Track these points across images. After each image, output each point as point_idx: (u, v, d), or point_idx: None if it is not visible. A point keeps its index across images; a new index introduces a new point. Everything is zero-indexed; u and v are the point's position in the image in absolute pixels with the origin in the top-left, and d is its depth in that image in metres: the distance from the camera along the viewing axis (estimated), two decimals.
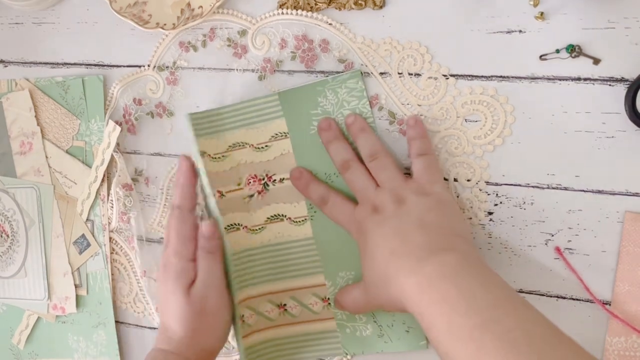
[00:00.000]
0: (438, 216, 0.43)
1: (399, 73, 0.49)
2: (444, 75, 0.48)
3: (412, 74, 0.48)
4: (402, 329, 0.50)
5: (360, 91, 0.49)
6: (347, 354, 0.52)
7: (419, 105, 0.48)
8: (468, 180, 0.48)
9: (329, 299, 0.52)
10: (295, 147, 0.51)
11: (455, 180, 0.48)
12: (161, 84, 0.56)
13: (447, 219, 0.44)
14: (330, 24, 0.50)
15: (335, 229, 0.50)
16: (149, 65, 0.56)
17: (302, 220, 0.51)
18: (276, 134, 0.51)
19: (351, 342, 0.52)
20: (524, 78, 0.46)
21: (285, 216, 0.51)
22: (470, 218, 0.48)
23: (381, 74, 0.49)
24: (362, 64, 0.49)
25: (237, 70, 0.53)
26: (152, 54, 0.56)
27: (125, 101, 0.57)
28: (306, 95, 0.50)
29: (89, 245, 0.60)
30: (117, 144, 0.58)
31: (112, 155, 0.57)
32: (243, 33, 0.53)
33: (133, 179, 0.58)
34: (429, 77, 0.48)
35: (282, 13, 0.51)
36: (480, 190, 0.48)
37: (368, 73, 0.49)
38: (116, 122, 0.57)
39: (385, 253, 0.43)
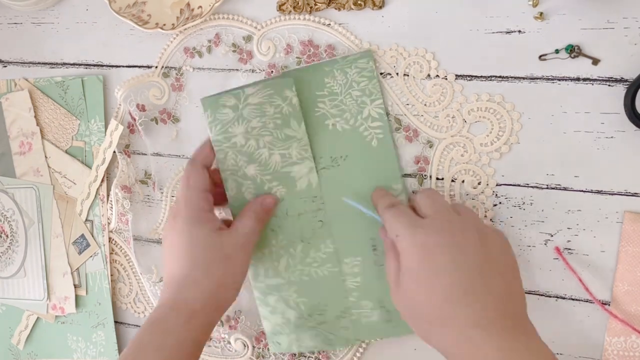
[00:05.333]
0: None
1: (404, 79, 0.49)
2: (450, 82, 0.48)
3: (417, 80, 0.48)
4: None
5: (371, 71, 0.48)
6: (358, 340, 0.51)
7: (425, 111, 0.49)
8: (474, 188, 0.48)
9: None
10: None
11: (463, 182, 0.48)
12: (166, 90, 0.56)
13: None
14: (328, 24, 0.50)
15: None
16: (154, 70, 0.56)
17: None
18: None
19: (359, 329, 0.51)
20: (523, 78, 0.46)
21: None
22: None
23: (384, 77, 0.49)
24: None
25: (242, 74, 0.53)
26: (157, 60, 0.55)
27: (128, 107, 0.56)
28: (312, 75, 0.49)
29: (88, 245, 0.60)
30: (127, 146, 0.57)
31: (113, 156, 0.57)
32: (248, 39, 0.53)
33: (142, 181, 0.58)
34: (435, 85, 0.48)
35: (284, 19, 0.51)
36: (487, 197, 0.48)
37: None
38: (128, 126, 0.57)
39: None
